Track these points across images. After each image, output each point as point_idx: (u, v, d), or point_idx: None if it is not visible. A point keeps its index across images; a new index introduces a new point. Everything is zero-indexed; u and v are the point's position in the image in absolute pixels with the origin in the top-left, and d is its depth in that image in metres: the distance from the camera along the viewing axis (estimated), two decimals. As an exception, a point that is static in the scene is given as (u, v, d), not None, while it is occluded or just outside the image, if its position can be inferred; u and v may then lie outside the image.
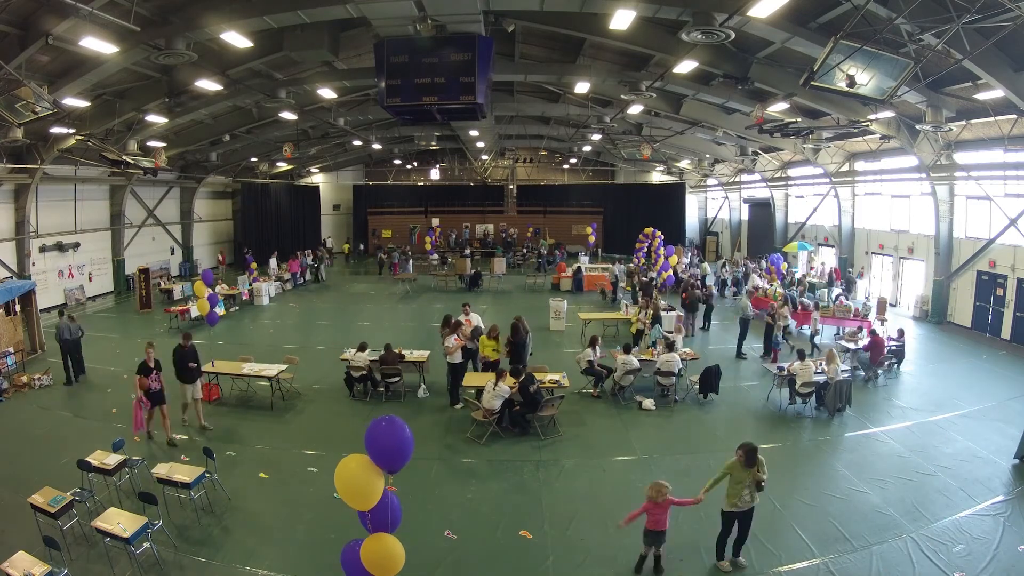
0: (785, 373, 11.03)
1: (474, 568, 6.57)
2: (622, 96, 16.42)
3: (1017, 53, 10.87)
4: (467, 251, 31.86)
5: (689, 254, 28.72)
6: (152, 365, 9.48)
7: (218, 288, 19.78)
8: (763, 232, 29.69)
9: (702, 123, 20.94)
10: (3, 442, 9.75)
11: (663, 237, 22.83)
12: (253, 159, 29.17)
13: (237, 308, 20.49)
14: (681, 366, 11.43)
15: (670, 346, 11.63)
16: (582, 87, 16.86)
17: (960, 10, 8.12)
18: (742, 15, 9.31)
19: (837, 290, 20.48)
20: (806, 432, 10.19)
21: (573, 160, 37.47)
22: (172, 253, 28.29)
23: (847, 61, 8.31)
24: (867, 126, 15.51)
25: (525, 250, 33.76)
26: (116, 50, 10.60)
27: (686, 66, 13.19)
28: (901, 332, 13.62)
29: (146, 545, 6.46)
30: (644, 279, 20.12)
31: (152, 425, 9.71)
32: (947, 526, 7.12)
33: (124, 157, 15.88)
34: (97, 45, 10.12)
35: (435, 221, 34.02)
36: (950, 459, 8.91)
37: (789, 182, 27.14)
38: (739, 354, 14.30)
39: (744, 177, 30.92)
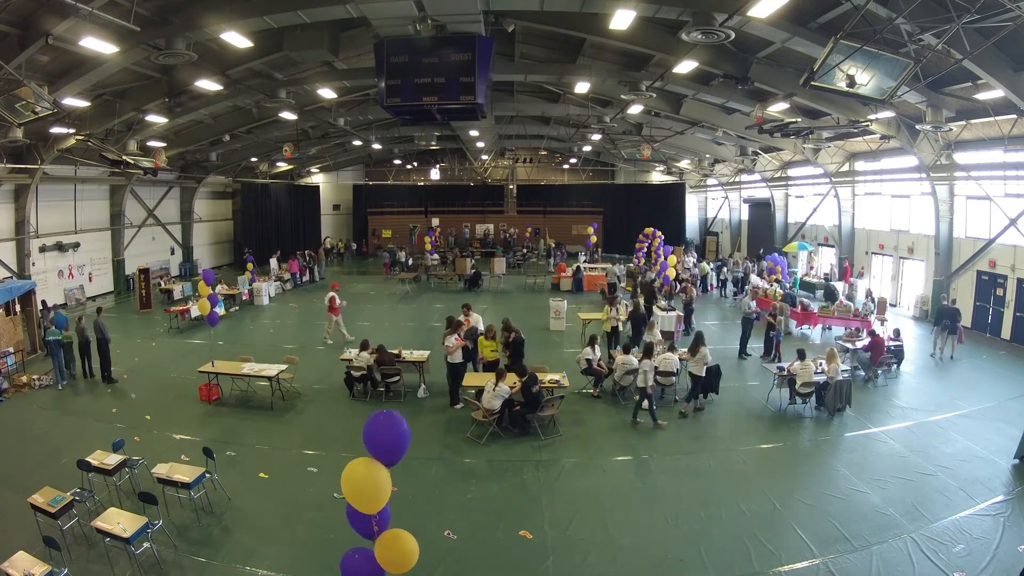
0: (785, 373, 11.04)
1: (474, 568, 6.57)
2: (622, 96, 16.42)
3: (1017, 53, 10.87)
4: (467, 251, 31.89)
5: (692, 257, 28.66)
6: None
7: (218, 288, 19.78)
8: (763, 232, 29.69)
9: (702, 123, 20.93)
10: (3, 442, 9.76)
11: (663, 237, 22.84)
12: (253, 159, 29.16)
13: (237, 308, 20.50)
14: (679, 366, 11.41)
15: (670, 347, 11.60)
16: (582, 87, 16.85)
17: (960, 10, 8.12)
18: (742, 15, 9.31)
19: (857, 293, 20.15)
20: (806, 432, 10.19)
21: (573, 160, 37.46)
22: (172, 253, 28.28)
23: (847, 61, 8.31)
24: (867, 126, 15.51)
25: (525, 250, 33.79)
26: (116, 50, 10.60)
27: (686, 66, 13.18)
28: (897, 332, 13.63)
29: (146, 545, 6.46)
30: (644, 279, 20.12)
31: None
32: (947, 526, 7.12)
33: (124, 157, 15.88)
34: (97, 45, 10.12)
35: (435, 221, 34.02)
36: (950, 459, 8.91)
37: (789, 182, 27.13)
38: (742, 354, 14.27)
39: (744, 177, 30.90)
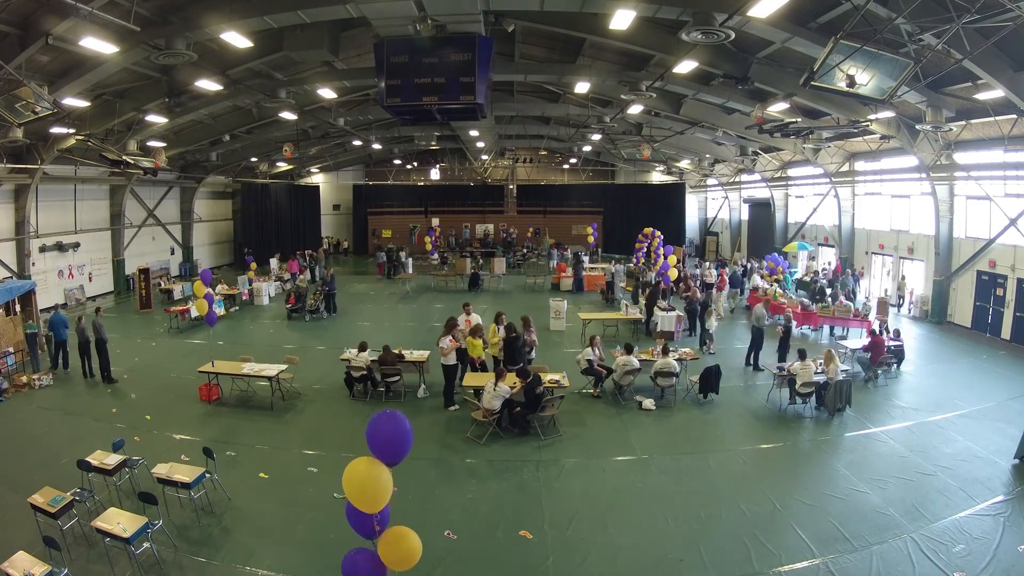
0: (785, 373, 11.04)
1: (474, 568, 6.57)
2: (622, 96, 16.42)
3: (1017, 53, 10.87)
4: (467, 251, 31.88)
5: (696, 260, 28.46)
6: None
7: (218, 288, 19.80)
8: (763, 232, 29.69)
9: (702, 123, 20.93)
10: (3, 442, 9.76)
11: (663, 237, 22.82)
12: (253, 159, 29.16)
13: (237, 308, 20.49)
14: (678, 368, 11.41)
15: (665, 350, 11.58)
16: (582, 87, 16.85)
17: (960, 10, 8.12)
18: (742, 15, 9.31)
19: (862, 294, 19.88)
20: (806, 432, 10.19)
21: (573, 160, 37.45)
22: (172, 253, 28.28)
23: (847, 61, 8.31)
24: (867, 126, 15.51)
25: (525, 250, 33.79)
26: (116, 50, 10.59)
27: (686, 66, 13.18)
28: (897, 332, 13.62)
29: (146, 545, 6.46)
30: (644, 279, 20.10)
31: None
32: (947, 526, 7.12)
33: (124, 157, 15.88)
34: (97, 45, 10.12)
35: (435, 221, 34.02)
36: (950, 459, 8.91)
37: (789, 182, 27.13)
38: (756, 367, 13.10)
39: (744, 177, 30.90)
